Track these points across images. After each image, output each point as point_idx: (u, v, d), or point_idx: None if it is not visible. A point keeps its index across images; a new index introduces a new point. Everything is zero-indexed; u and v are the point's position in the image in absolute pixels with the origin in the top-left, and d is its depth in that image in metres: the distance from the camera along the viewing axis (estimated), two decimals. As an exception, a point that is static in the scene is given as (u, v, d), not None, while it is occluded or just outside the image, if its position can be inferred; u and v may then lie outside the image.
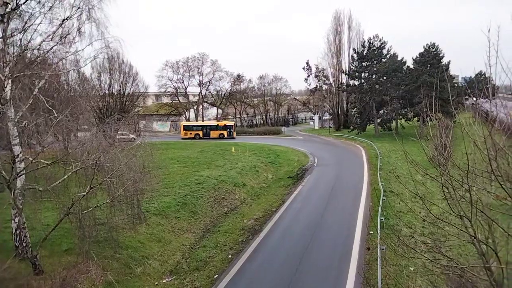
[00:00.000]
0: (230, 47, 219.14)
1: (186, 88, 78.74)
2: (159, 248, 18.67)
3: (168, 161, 35.83)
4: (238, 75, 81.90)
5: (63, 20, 16.04)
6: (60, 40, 16.38)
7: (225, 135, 63.64)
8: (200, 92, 79.94)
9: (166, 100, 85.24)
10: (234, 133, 64.96)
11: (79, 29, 16.66)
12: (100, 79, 58.83)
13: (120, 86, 61.22)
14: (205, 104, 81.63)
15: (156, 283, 15.82)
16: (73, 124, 16.95)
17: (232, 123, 67.51)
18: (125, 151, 16.40)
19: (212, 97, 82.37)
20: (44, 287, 12.60)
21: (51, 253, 15.60)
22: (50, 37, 15.95)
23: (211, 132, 64.35)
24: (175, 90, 77.96)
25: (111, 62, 58.25)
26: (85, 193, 14.10)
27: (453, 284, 8.66)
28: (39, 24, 15.89)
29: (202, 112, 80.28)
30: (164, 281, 16.13)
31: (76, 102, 18.96)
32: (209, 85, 79.55)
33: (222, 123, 67.31)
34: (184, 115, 77.14)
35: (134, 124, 67.77)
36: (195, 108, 79.13)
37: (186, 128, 66.30)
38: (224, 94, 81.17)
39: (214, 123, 68.33)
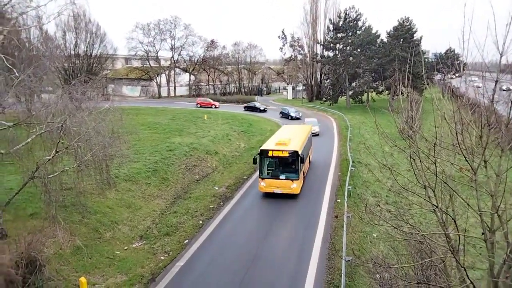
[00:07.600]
0: (205, 12, 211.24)
1: (157, 52, 75.98)
2: (129, 213, 18.56)
3: (138, 127, 34.87)
4: (212, 41, 79.74)
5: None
6: (20, -7, 15.13)
7: None
8: (172, 57, 77.48)
9: (136, 64, 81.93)
10: None
11: (40, -19, 15.39)
12: (65, 38, 55.88)
13: (86, 47, 58.47)
14: (177, 70, 79.35)
15: (125, 247, 15.84)
16: (36, 84, 16.02)
17: None
18: (93, 115, 15.83)
19: (185, 62, 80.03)
20: (8, 251, 12.28)
21: (15, 217, 15.14)
22: (8, -12, 14.70)
23: None
24: (145, 54, 75.01)
25: (77, 21, 55.27)
26: (50, 157, 13.60)
27: (413, 249, 9.18)
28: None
29: (174, 78, 78.14)
30: (134, 245, 16.17)
31: (39, 62, 17.81)
32: (181, 50, 77.26)
33: None
34: (155, 80, 74.82)
35: (102, 87, 65.14)
36: (166, 73, 76.83)
37: None
38: (197, 60, 79.02)
39: None
